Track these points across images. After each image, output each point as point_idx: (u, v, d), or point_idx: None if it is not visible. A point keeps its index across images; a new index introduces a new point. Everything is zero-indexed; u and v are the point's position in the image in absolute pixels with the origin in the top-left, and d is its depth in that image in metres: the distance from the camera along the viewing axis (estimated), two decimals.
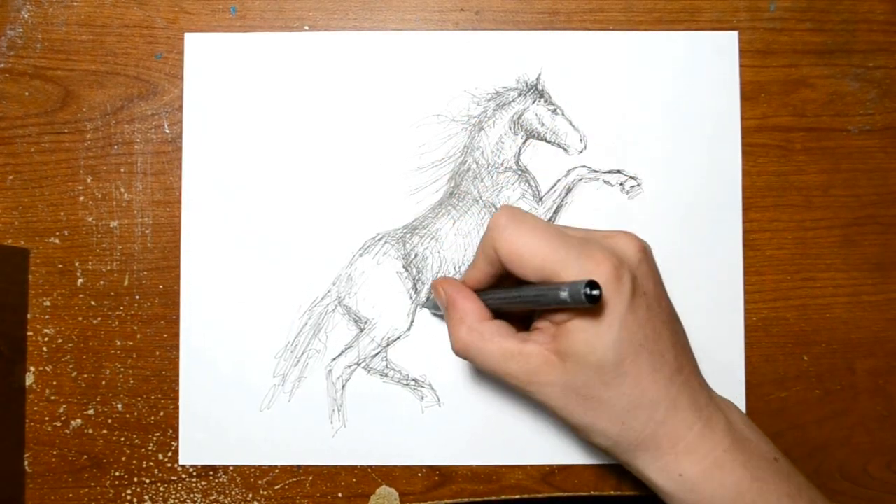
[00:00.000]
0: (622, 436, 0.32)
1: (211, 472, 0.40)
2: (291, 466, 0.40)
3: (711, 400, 0.33)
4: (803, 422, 0.40)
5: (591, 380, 0.31)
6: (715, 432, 0.32)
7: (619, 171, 0.41)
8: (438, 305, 0.36)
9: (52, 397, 0.40)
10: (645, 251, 0.32)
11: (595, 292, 0.28)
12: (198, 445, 0.40)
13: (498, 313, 0.34)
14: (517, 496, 0.40)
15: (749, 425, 0.34)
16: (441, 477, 0.40)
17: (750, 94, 0.41)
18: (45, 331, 0.40)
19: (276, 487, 0.40)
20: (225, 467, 0.40)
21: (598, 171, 0.41)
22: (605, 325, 0.30)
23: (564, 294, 0.28)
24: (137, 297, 0.40)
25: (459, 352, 0.33)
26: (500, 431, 0.40)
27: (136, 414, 0.40)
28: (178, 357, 0.40)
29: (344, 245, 0.41)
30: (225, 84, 0.41)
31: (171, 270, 0.40)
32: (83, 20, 0.41)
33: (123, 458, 0.40)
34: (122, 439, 0.40)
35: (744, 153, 0.41)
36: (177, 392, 0.40)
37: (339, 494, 0.40)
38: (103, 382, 0.40)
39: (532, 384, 0.32)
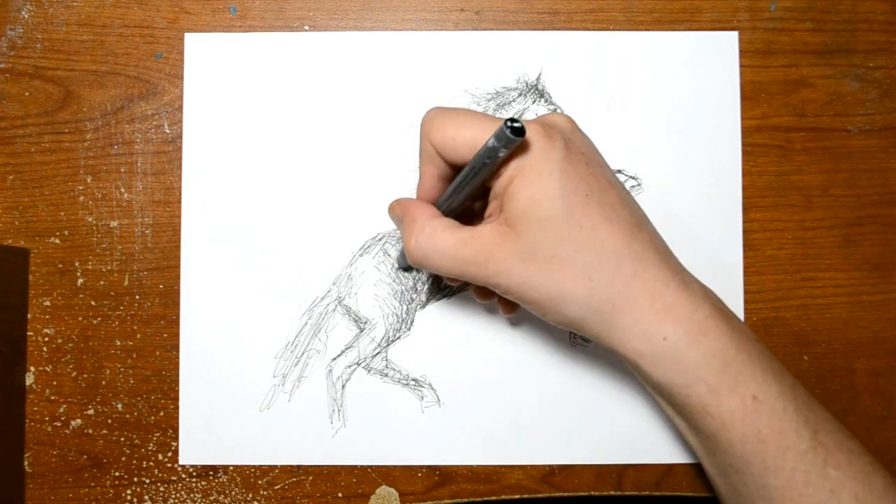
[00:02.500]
0: (593, 296, 0.30)
1: (211, 472, 0.40)
2: (291, 466, 0.40)
3: (683, 269, 0.32)
4: None
5: (546, 238, 0.30)
6: (694, 294, 0.31)
7: (619, 171, 0.41)
8: (396, 224, 0.35)
9: (52, 397, 0.40)
10: (576, 126, 0.32)
11: (517, 125, 0.27)
12: (198, 445, 0.40)
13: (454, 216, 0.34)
14: (517, 496, 0.40)
15: (725, 304, 0.33)
16: (441, 477, 0.40)
17: (750, 94, 0.41)
18: (45, 331, 0.40)
19: (276, 487, 0.40)
20: (225, 467, 0.40)
21: None
22: (545, 175, 0.29)
23: (491, 141, 0.28)
24: (137, 297, 0.40)
25: (416, 256, 0.32)
26: (500, 431, 0.40)
27: (136, 414, 0.40)
28: (178, 357, 0.40)
29: (344, 245, 0.41)
30: (225, 84, 0.41)
31: (171, 270, 0.40)
32: (83, 20, 0.41)
33: (123, 458, 0.40)
34: (122, 439, 0.40)
35: (744, 153, 0.41)
36: (177, 392, 0.40)
37: (339, 494, 0.40)
38: (103, 382, 0.40)
39: (489, 263, 0.31)
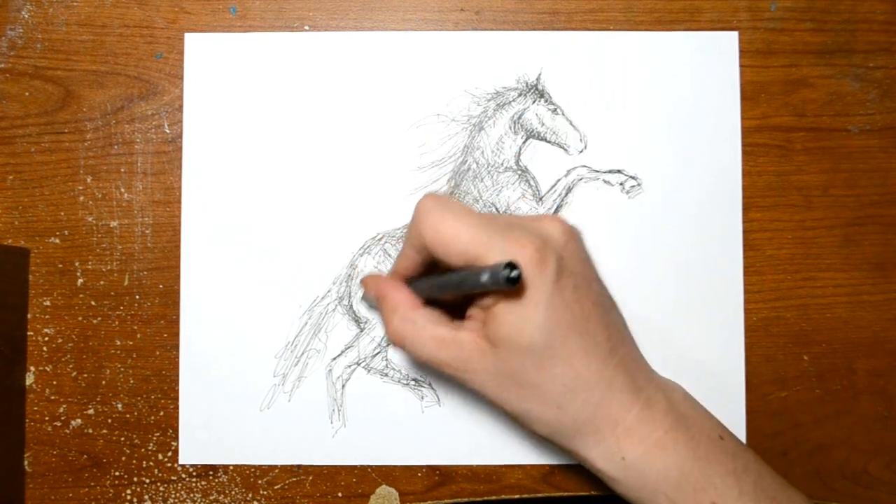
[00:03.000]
0: (559, 421, 0.31)
1: (211, 472, 0.40)
2: (291, 466, 0.40)
3: (651, 381, 0.33)
4: (803, 422, 0.40)
5: (522, 364, 0.30)
6: (655, 413, 0.32)
7: (619, 171, 0.41)
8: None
9: (52, 397, 0.40)
10: (572, 233, 0.32)
11: (514, 273, 0.27)
12: (198, 445, 0.40)
13: (430, 302, 0.34)
14: (517, 496, 0.40)
15: (692, 404, 0.33)
16: (441, 477, 0.40)
17: (750, 94, 0.41)
18: (45, 331, 0.40)
19: (276, 487, 0.40)
20: (225, 467, 0.40)
21: (598, 171, 0.41)
22: (531, 306, 0.30)
23: (485, 277, 0.28)
24: (137, 297, 0.40)
25: (395, 342, 0.33)
26: (500, 431, 0.40)
27: (136, 414, 0.40)
28: (178, 357, 0.40)
29: (344, 245, 0.41)
30: (225, 84, 0.41)
31: (171, 270, 0.40)
32: (83, 20, 0.41)
33: (123, 458, 0.40)
34: (122, 439, 0.40)
35: (744, 153, 0.41)
36: (177, 392, 0.40)
37: (339, 494, 0.40)
38: (103, 382, 0.40)
39: (466, 372, 0.32)
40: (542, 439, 0.33)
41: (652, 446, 0.31)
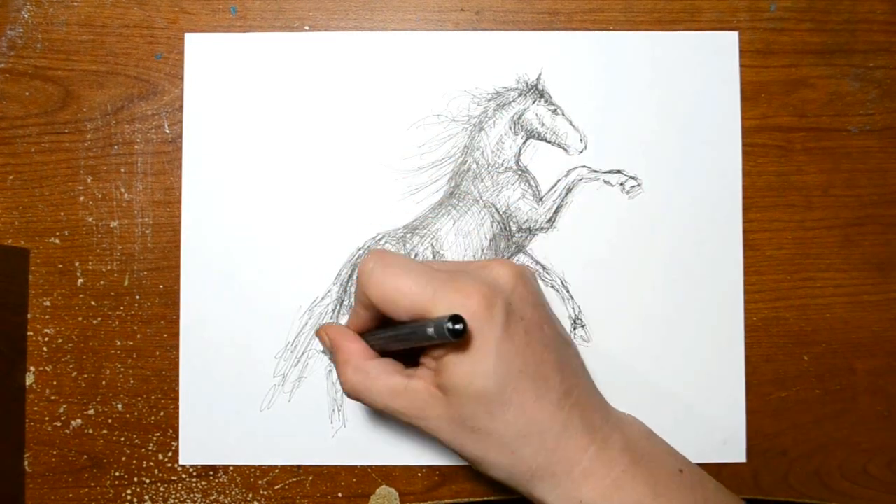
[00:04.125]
0: (515, 466, 0.31)
1: (211, 472, 0.40)
2: (291, 466, 0.40)
3: (607, 420, 0.33)
4: (803, 422, 0.40)
5: (475, 411, 0.30)
6: (612, 452, 0.31)
7: (619, 171, 0.41)
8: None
9: (52, 397, 0.40)
10: (521, 276, 0.32)
11: (458, 326, 0.28)
12: (198, 445, 0.40)
13: (384, 352, 0.34)
14: (517, 496, 0.40)
15: (650, 439, 0.33)
16: (441, 477, 0.40)
17: (750, 94, 0.41)
18: (45, 331, 0.40)
19: (276, 487, 0.40)
20: (225, 467, 0.40)
21: (598, 171, 0.41)
22: (481, 355, 0.30)
23: (430, 331, 0.28)
24: (137, 297, 0.40)
25: (349, 393, 0.34)
26: None
27: (136, 414, 0.40)
28: (178, 357, 0.40)
29: (344, 245, 0.41)
30: (225, 84, 0.41)
31: (171, 270, 0.40)
32: (83, 20, 0.41)
33: (123, 458, 0.40)
34: (122, 439, 0.40)
35: (744, 153, 0.41)
36: (177, 392, 0.40)
37: (339, 494, 0.40)
38: (103, 382, 0.40)
39: (420, 419, 0.32)
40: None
41: (609, 486, 0.31)
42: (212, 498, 0.40)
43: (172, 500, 0.40)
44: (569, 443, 0.31)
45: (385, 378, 0.32)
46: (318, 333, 0.37)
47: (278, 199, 0.41)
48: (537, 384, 0.31)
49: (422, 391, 0.31)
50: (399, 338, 0.32)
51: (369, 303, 0.32)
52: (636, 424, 0.34)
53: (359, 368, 0.33)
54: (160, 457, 0.40)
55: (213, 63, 0.41)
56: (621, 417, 0.34)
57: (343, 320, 0.40)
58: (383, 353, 0.34)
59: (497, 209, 0.41)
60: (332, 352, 0.35)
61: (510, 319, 0.30)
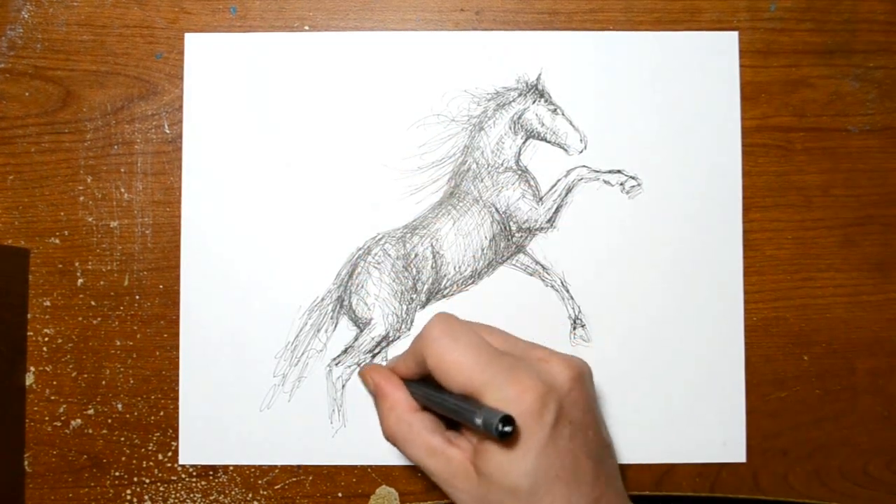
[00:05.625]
0: None
1: (211, 472, 0.40)
2: (291, 466, 0.40)
3: None
4: (803, 422, 0.40)
5: (503, 501, 0.30)
6: None
7: (619, 171, 0.41)
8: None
9: (52, 397, 0.40)
10: (578, 378, 0.32)
11: (507, 428, 0.28)
12: (198, 445, 0.40)
13: (423, 406, 0.35)
14: None
15: None
16: None
17: (750, 94, 0.41)
18: (45, 331, 0.40)
19: (276, 487, 0.40)
20: (225, 467, 0.40)
21: (598, 171, 0.41)
22: (522, 452, 0.30)
23: (479, 421, 0.29)
24: (137, 297, 0.40)
25: (388, 439, 0.34)
26: None
27: (136, 414, 0.40)
28: (178, 357, 0.40)
29: (344, 245, 0.41)
30: (225, 84, 0.41)
31: (171, 270, 0.40)
32: (83, 20, 0.41)
33: (123, 458, 0.40)
34: (122, 439, 0.40)
35: (744, 153, 0.41)
36: (177, 392, 0.40)
37: (339, 494, 0.40)
38: (103, 382, 0.40)
39: (449, 486, 0.32)
40: None
41: None
42: (212, 498, 0.40)
43: (172, 500, 0.40)
44: None
45: (426, 435, 0.33)
46: (361, 374, 0.37)
47: (278, 199, 0.41)
48: (570, 490, 0.31)
49: (457, 462, 0.32)
50: (445, 408, 0.32)
51: (424, 363, 0.33)
52: None
53: (402, 419, 0.34)
54: (160, 457, 0.40)
55: (212, 63, 0.41)
56: None
57: (343, 320, 0.40)
58: (425, 407, 0.35)
59: (497, 209, 0.41)
60: (375, 396, 0.36)
61: (559, 423, 0.30)
